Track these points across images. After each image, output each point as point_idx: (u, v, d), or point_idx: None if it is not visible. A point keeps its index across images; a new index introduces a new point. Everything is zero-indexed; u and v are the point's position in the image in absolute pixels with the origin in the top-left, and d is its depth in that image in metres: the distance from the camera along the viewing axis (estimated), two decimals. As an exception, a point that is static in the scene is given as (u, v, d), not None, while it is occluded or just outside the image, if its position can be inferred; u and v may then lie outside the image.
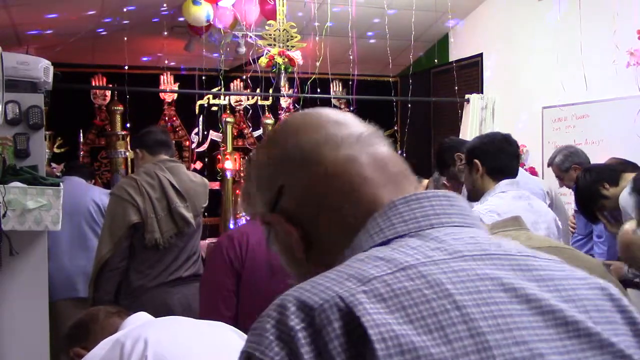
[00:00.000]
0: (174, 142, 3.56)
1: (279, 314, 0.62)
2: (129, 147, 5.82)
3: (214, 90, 6.11)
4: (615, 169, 3.28)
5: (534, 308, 0.63)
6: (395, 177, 0.76)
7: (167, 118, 6.54)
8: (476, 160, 2.63)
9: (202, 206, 3.41)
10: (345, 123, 0.81)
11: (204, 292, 2.38)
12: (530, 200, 2.70)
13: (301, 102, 5.99)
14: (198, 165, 6.55)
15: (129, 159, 5.80)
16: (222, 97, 6.35)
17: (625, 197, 3.02)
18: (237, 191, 6.10)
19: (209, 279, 2.34)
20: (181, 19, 5.26)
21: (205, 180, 3.57)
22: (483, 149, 2.65)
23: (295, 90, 5.95)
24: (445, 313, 0.60)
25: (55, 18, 5.15)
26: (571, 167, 4.07)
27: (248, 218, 5.82)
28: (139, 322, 1.65)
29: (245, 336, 1.60)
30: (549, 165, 4.32)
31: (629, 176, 3.15)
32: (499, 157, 2.65)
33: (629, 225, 2.46)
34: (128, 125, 5.78)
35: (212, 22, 5.15)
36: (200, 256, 3.46)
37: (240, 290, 2.26)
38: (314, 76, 5.56)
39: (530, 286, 0.64)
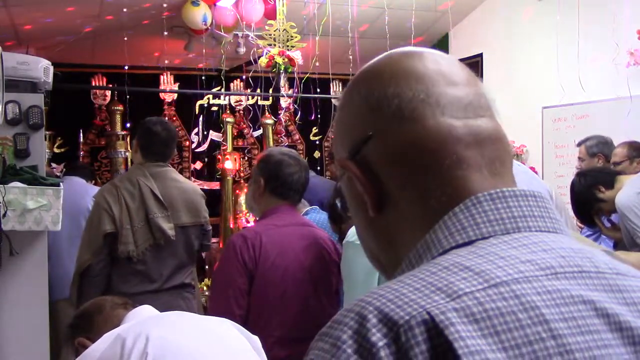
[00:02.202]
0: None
1: (358, 325, 0.55)
2: (129, 146, 5.82)
3: (214, 90, 6.11)
4: (610, 172, 3.28)
5: (626, 337, 0.59)
6: (492, 161, 0.68)
7: (167, 118, 6.54)
8: None
9: (200, 212, 3.26)
10: (456, 82, 0.71)
11: (215, 290, 2.38)
12: None
13: (298, 102, 5.99)
14: (198, 165, 6.55)
15: (129, 159, 5.80)
16: (222, 97, 6.36)
17: (620, 199, 3.02)
18: (237, 191, 6.10)
19: (222, 278, 2.33)
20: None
21: (196, 188, 3.37)
22: None
23: (295, 90, 5.95)
24: (541, 342, 0.54)
25: (55, 18, 5.15)
26: (597, 154, 4.16)
27: (250, 219, 5.83)
28: (142, 316, 1.64)
29: (249, 334, 1.61)
30: (578, 144, 4.35)
31: (624, 178, 3.15)
32: None
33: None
34: (128, 125, 5.78)
35: (209, 27, 5.16)
36: (194, 265, 3.34)
37: (252, 291, 2.27)
38: (308, 74, 5.55)
39: (622, 311, 0.60)
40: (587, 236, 4.01)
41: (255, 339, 1.63)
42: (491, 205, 0.65)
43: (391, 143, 0.69)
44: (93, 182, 5.03)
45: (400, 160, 0.68)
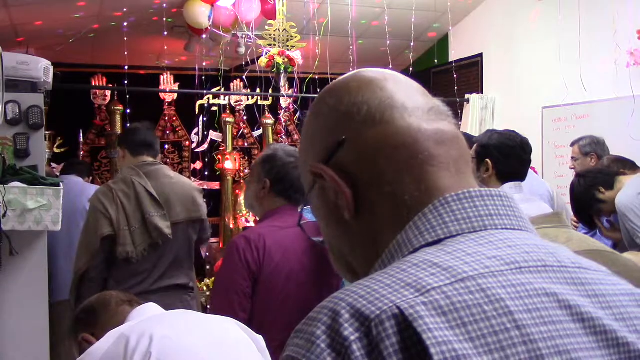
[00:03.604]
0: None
1: (331, 320, 0.58)
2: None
3: (214, 90, 6.12)
4: (610, 173, 3.27)
5: (587, 328, 0.61)
6: (457, 160, 0.73)
7: (167, 118, 6.54)
8: (488, 160, 2.57)
9: (198, 207, 3.26)
10: (415, 93, 0.76)
11: (218, 293, 2.34)
12: (535, 203, 2.66)
13: (299, 102, 5.99)
14: (198, 165, 6.55)
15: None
16: (222, 97, 6.36)
17: (620, 199, 3.02)
18: (237, 191, 6.10)
19: (225, 280, 2.30)
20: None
21: (191, 183, 3.38)
22: (499, 151, 2.58)
23: (295, 90, 5.95)
24: (506, 332, 0.57)
25: (55, 18, 5.15)
26: (590, 153, 4.27)
27: (250, 220, 5.82)
28: (147, 315, 1.63)
29: (253, 333, 1.61)
30: (572, 144, 4.43)
31: (625, 179, 3.14)
32: (512, 163, 2.58)
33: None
34: (128, 125, 5.78)
35: (209, 27, 5.16)
36: (192, 263, 3.32)
37: (255, 294, 2.25)
38: (310, 75, 5.56)
39: (584, 303, 0.63)
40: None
41: (260, 338, 1.63)
42: (459, 205, 0.68)
43: (366, 143, 0.72)
44: (90, 178, 5.02)
45: (375, 159, 0.71)
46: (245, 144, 6.69)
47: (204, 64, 5.71)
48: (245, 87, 6.38)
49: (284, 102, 6.41)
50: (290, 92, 5.97)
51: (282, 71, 5.14)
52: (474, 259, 0.62)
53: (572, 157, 4.41)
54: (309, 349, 0.57)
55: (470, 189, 0.69)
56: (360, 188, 0.71)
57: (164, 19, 5.22)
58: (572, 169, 4.39)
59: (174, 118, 6.56)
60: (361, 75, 0.78)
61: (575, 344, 0.59)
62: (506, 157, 2.56)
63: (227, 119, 6.23)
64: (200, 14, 5.07)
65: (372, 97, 0.74)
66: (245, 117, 6.62)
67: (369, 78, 0.77)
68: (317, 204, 0.77)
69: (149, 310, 1.68)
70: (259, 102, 6.44)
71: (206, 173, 6.44)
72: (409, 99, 0.75)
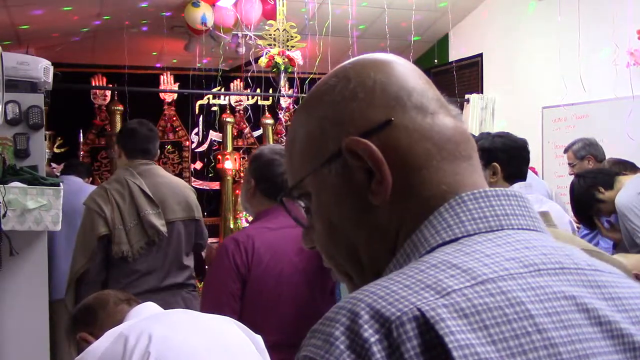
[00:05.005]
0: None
1: (350, 321, 0.56)
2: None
3: (214, 90, 6.12)
4: (610, 173, 3.28)
5: (605, 331, 0.61)
6: (470, 155, 0.72)
7: (167, 118, 6.54)
8: (496, 164, 2.59)
9: (192, 207, 3.23)
10: (430, 84, 0.77)
11: (207, 295, 2.33)
12: (545, 203, 2.67)
13: (299, 102, 6.00)
14: (198, 165, 6.55)
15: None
16: (222, 97, 6.36)
17: (620, 199, 3.02)
18: (237, 191, 6.10)
19: (215, 283, 2.29)
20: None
21: (184, 183, 3.40)
22: (506, 154, 2.61)
23: (295, 90, 5.96)
24: (527, 336, 0.56)
25: (55, 18, 5.15)
26: (586, 156, 4.24)
27: (249, 220, 5.82)
28: (146, 314, 1.63)
29: (252, 333, 1.61)
30: (565, 151, 4.42)
31: (624, 179, 3.15)
32: (518, 164, 2.63)
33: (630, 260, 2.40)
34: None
35: (209, 27, 5.16)
36: (191, 263, 3.30)
37: (245, 295, 2.25)
38: (311, 76, 5.56)
39: (601, 306, 0.62)
40: (584, 235, 4.02)
41: (259, 338, 1.62)
42: (475, 204, 0.67)
43: (417, 131, 0.70)
44: (90, 179, 5.03)
45: (414, 148, 0.69)
46: (245, 144, 6.69)
47: (204, 61, 5.71)
48: (245, 87, 6.39)
49: (284, 102, 6.41)
50: (290, 92, 5.97)
51: (282, 71, 5.14)
52: (492, 261, 0.61)
53: (569, 163, 4.38)
54: (327, 350, 0.56)
55: (485, 188, 0.69)
56: (393, 175, 0.69)
57: (162, 16, 5.22)
58: (571, 174, 4.34)
59: (174, 118, 6.56)
60: (402, 62, 0.77)
61: (594, 348, 0.59)
62: (512, 159, 2.60)
63: (227, 119, 6.23)
64: (199, 16, 5.07)
65: (417, 87, 0.74)
66: (245, 117, 6.62)
67: (409, 67, 0.76)
68: (333, 182, 0.72)
69: (148, 310, 1.68)
70: (259, 102, 6.44)
71: (206, 173, 6.45)
72: (430, 90, 0.75)
